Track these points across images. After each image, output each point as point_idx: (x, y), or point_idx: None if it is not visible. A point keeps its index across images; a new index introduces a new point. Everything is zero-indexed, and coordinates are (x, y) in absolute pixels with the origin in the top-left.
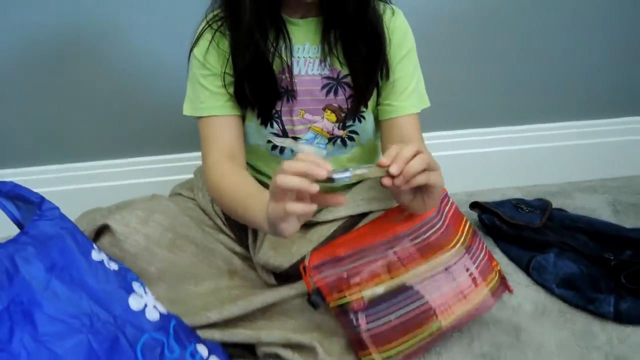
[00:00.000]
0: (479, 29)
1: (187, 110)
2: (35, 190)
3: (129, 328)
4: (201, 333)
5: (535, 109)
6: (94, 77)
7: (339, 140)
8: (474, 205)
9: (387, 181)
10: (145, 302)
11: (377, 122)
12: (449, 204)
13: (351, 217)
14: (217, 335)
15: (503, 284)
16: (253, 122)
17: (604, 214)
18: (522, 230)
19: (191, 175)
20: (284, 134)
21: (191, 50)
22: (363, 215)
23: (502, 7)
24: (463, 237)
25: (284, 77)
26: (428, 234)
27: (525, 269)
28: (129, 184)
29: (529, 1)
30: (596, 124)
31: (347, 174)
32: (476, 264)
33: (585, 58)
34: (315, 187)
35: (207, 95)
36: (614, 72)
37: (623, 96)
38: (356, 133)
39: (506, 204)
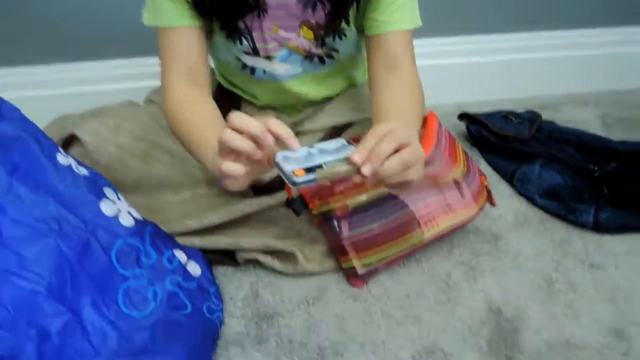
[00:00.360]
0: None
1: (147, 19)
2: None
3: (101, 233)
4: (180, 240)
5: (529, 16)
6: None
7: (316, 58)
8: (463, 116)
9: (357, 179)
10: (118, 207)
11: (363, 37)
12: (445, 134)
13: (335, 127)
14: (196, 242)
15: (488, 197)
16: (220, 36)
17: (594, 127)
18: (510, 142)
19: None
20: (255, 52)
21: None
22: (348, 125)
23: None
24: (461, 169)
25: None
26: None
27: (510, 180)
28: (104, 90)
29: None
30: (591, 34)
31: (312, 177)
32: (470, 188)
33: None
34: (258, 154)
35: (166, 2)
36: None
37: (620, 4)
38: (336, 51)
39: (495, 115)
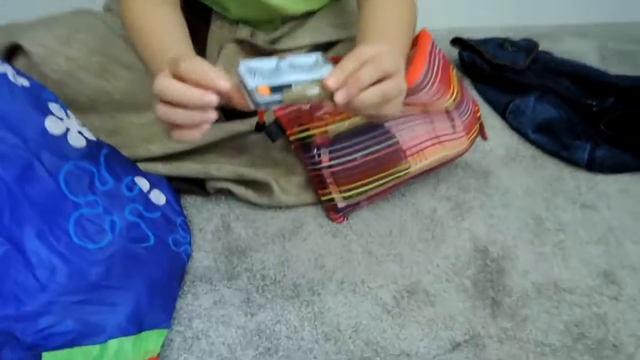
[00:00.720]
0: None
1: None
2: None
3: (46, 154)
4: (142, 166)
5: None
6: None
7: None
8: (455, 42)
9: (328, 106)
10: (66, 125)
11: None
12: (438, 56)
13: (316, 45)
14: (160, 168)
15: (480, 129)
16: None
17: (591, 59)
18: (504, 72)
19: None
20: None
21: None
22: (331, 44)
23: None
24: (454, 97)
25: None
26: (415, 97)
27: (502, 112)
28: None
29: None
30: None
31: (277, 98)
32: (462, 119)
33: None
34: (197, 119)
35: None
36: None
37: None
38: None
39: (490, 42)
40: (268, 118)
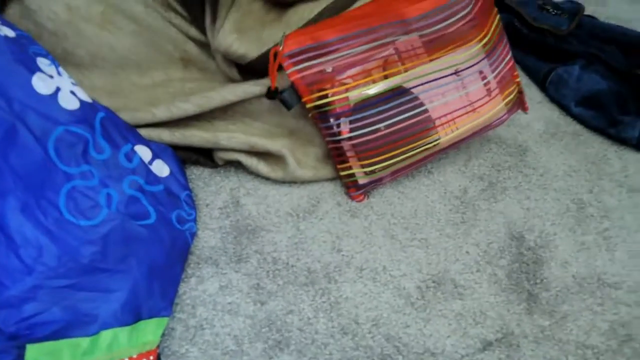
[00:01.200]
0: None
1: None
2: None
3: (32, 116)
4: (145, 133)
5: None
6: None
7: None
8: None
9: None
10: (56, 84)
11: None
12: None
13: None
14: (165, 136)
15: (520, 100)
16: None
17: None
18: (545, 37)
19: None
20: None
21: None
22: None
23: None
24: (488, 37)
25: None
26: (446, 22)
27: (542, 82)
28: None
29: None
30: None
31: None
32: (495, 73)
33: None
34: None
35: None
36: None
37: None
38: None
39: (531, 2)
40: (283, 82)
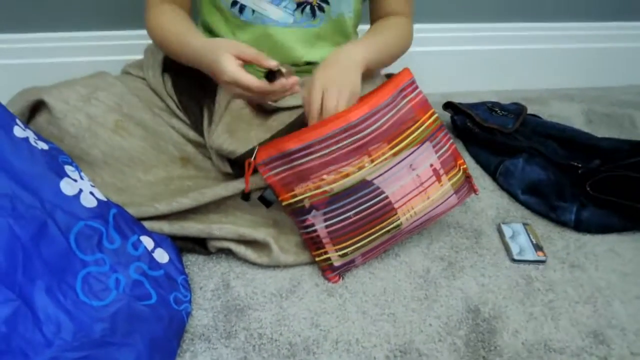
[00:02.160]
0: None
1: None
2: None
3: (59, 214)
4: (148, 224)
5: (518, 7)
6: None
7: (308, 8)
8: (448, 106)
9: None
10: (79, 187)
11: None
12: (413, 92)
13: None
14: (165, 227)
15: (468, 184)
16: None
17: (578, 122)
18: (494, 134)
19: (142, 56)
20: None
21: None
22: None
23: None
24: (425, 126)
25: None
26: (381, 121)
27: (493, 173)
28: (74, 62)
29: None
30: (578, 27)
31: None
32: (438, 155)
33: None
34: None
35: None
36: None
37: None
38: (327, 2)
39: (480, 106)
40: (259, 184)
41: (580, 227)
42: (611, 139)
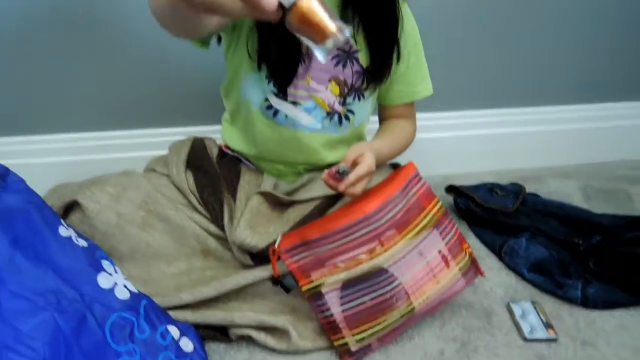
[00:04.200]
0: (458, 18)
1: None
2: (1, 162)
3: (97, 307)
4: (173, 314)
5: (512, 94)
6: (68, 48)
7: (336, 117)
8: (450, 189)
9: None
10: (115, 280)
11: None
12: (419, 184)
13: (328, 198)
14: (189, 316)
15: (474, 267)
16: (256, 73)
17: (576, 199)
18: (496, 215)
19: (167, 152)
20: (284, 95)
21: None
22: (339, 197)
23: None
24: (431, 215)
25: None
26: (393, 212)
27: (498, 253)
28: (103, 159)
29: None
30: (570, 110)
31: None
32: (445, 241)
33: (558, 47)
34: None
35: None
36: (588, 60)
37: (597, 83)
38: (353, 113)
39: (481, 188)
40: (280, 270)
41: (587, 303)
42: (610, 215)
